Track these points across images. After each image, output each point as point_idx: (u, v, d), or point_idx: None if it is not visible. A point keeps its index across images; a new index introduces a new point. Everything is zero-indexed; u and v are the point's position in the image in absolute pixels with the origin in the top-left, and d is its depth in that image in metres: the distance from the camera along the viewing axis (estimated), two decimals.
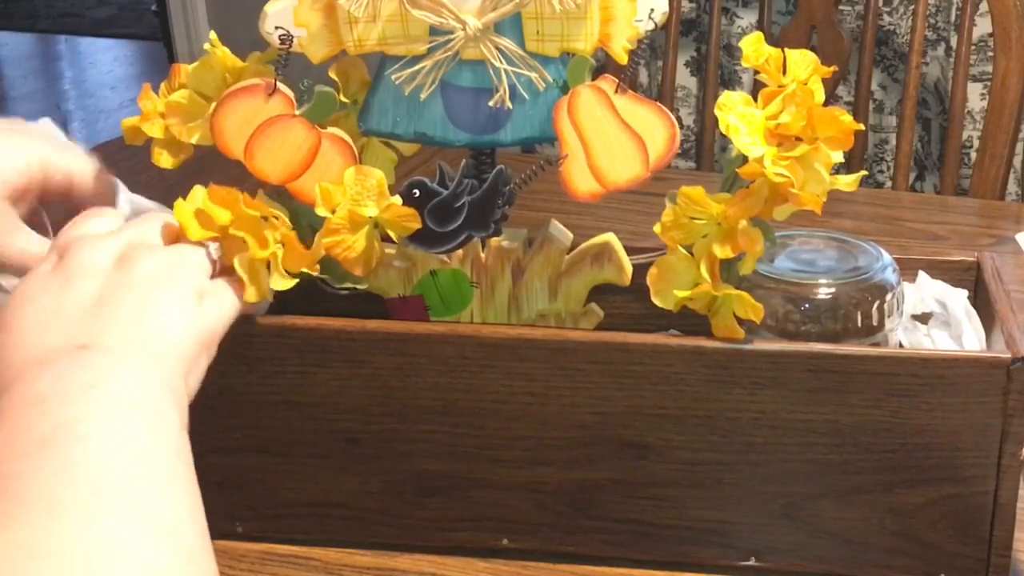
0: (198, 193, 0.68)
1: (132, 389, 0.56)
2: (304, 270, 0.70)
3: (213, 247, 0.67)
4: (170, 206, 0.69)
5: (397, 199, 0.71)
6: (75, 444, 0.52)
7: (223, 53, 0.73)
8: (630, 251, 0.76)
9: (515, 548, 0.76)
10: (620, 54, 0.71)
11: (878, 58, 1.91)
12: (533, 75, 0.71)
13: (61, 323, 0.59)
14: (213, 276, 0.67)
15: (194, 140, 0.73)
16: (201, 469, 0.57)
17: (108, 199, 0.75)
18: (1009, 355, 0.68)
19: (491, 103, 0.71)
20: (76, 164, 0.74)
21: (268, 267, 0.69)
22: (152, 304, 0.61)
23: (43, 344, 0.58)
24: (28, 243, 0.71)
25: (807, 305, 0.76)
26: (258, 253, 0.68)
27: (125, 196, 0.76)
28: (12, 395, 0.55)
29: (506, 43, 0.70)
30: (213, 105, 0.72)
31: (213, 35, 0.74)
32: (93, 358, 0.57)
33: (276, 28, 0.71)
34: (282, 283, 0.69)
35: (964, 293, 0.80)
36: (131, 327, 0.59)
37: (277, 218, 0.69)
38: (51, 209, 0.75)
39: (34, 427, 0.52)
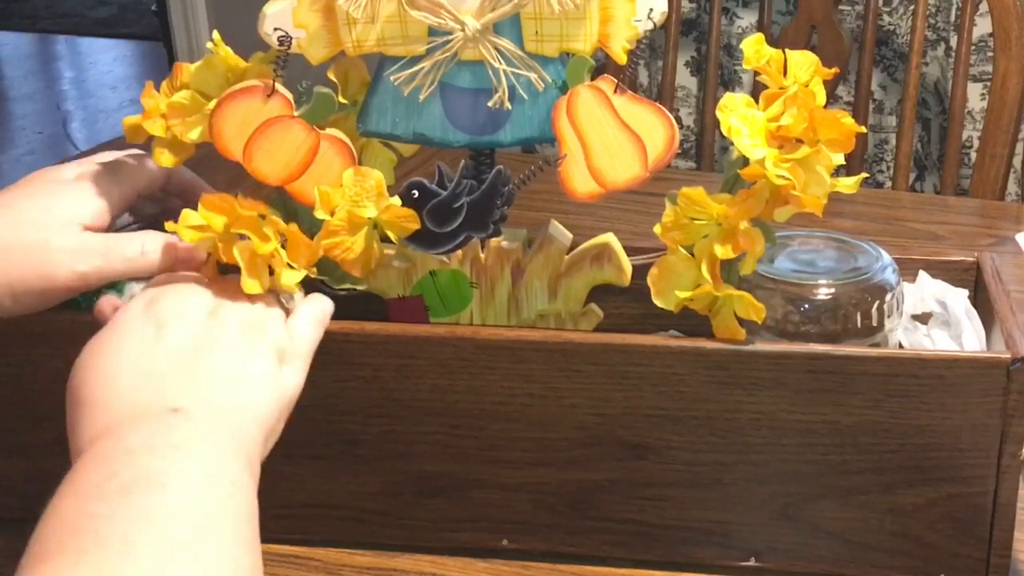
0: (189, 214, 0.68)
1: (214, 458, 0.58)
2: (304, 271, 0.70)
3: (284, 296, 0.68)
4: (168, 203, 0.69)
5: (396, 200, 0.70)
6: (154, 493, 0.54)
7: (226, 53, 0.73)
8: (630, 251, 0.76)
9: (515, 548, 0.76)
10: (619, 54, 0.70)
11: (878, 58, 1.91)
12: (532, 75, 0.71)
13: (154, 379, 0.61)
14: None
15: (195, 136, 0.72)
16: None
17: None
18: (1009, 355, 0.68)
19: (490, 104, 0.71)
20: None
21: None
22: (241, 371, 0.63)
23: (137, 401, 0.60)
24: (131, 250, 0.71)
25: (807, 305, 0.75)
26: (261, 248, 0.68)
27: None
28: (104, 444, 0.58)
29: (505, 44, 0.70)
30: (213, 103, 0.71)
31: (216, 35, 0.73)
32: (182, 423, 0.59)
33: (275, 29, 0.71)
34: (290, 276, 0.69)
35: (964, 293, 0.80)
36: (221, 398, 0.61)
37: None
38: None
39: (118, 474, 0.55)
